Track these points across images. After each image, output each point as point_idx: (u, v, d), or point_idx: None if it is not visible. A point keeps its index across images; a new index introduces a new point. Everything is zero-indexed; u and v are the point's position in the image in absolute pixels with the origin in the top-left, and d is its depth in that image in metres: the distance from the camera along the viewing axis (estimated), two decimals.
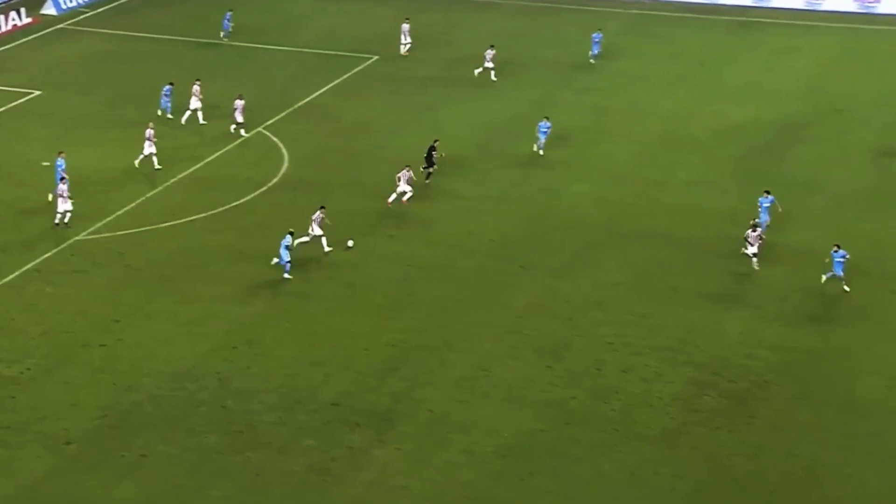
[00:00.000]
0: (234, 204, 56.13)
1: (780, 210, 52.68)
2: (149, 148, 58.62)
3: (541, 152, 60.80)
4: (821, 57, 74.39)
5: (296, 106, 68.34)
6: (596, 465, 38.94)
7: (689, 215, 55.39)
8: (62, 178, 53.61)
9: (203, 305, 47.55)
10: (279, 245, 48.98)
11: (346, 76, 73.32)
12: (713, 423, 40.80)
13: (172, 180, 58.40)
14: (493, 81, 70.44)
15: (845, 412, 41.34)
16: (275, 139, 63.85)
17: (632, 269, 50.78)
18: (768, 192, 53.11)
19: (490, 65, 70.70)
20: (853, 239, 51.55)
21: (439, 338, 45.95)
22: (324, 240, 51.20)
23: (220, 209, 55.58)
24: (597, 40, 73.17)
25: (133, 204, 55.81)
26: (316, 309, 48.02)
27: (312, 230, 51.33)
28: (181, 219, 54.55)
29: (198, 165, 60.14)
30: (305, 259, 50.75)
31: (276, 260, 49.56)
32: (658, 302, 48.09)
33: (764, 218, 52.76)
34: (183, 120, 64.29)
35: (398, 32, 76.45)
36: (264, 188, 57.76)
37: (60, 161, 55.63)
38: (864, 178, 58.69)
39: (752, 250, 49.65)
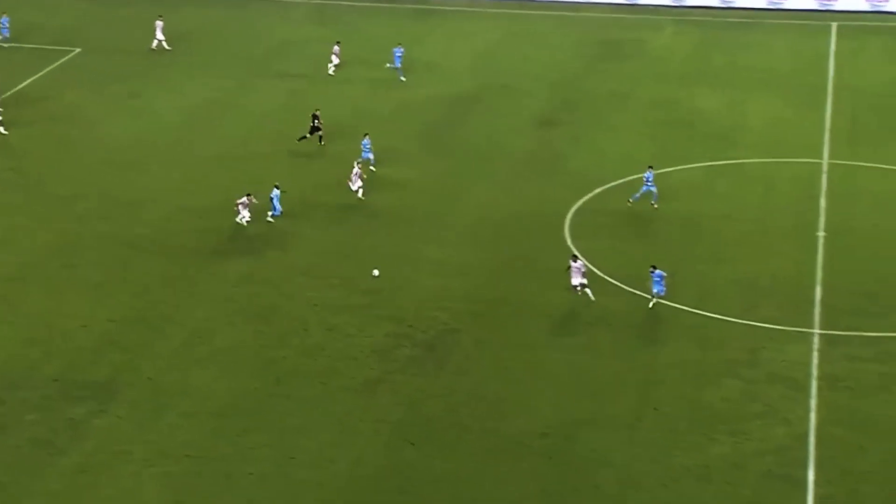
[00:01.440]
0: None
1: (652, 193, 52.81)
2: None
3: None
4: (489, 39, 75.97)
5: (3, 95, 65.05)
6: (306, 416, 38.87)
7: (379, 185, 55.65)
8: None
9: None
10: None
11: (49, 68, 70.16)
12: (409, 371, 41.33)
13: None
14: (331, 76, 69.23)
15: (523, 351, 42.58)
16: None
17: (331, 236, 50.79)
18: (651, 167, 53.31)
19: (336, 61, 69.73)
20: (524, 198, 53.21)
21: (156, 311, 44.90)
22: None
23: None
24: (398, 55, 69.33)
25: None
26: (31, 290, 46.10)
27: (242, 212, 50.77)
28: None
29: None
30: (18, 242, 48.64)
31: (269, 213, 51.14)
32: (356, 265, 48.23)
33: (649, 188, 52.53)
34: None
35: (100, 23, 73.67)
36: None
37: None
38: (528, 144, 60.39)
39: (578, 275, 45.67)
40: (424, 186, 54.98)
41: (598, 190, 55.14)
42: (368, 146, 56.25)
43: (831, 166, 57.81)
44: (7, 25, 73.71)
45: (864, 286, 46.93)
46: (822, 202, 54.03)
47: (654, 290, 44.60)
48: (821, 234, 51.26)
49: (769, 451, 37.34)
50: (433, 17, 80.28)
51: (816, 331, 43.87)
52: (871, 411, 39.43)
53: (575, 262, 45.37)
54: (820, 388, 40.45)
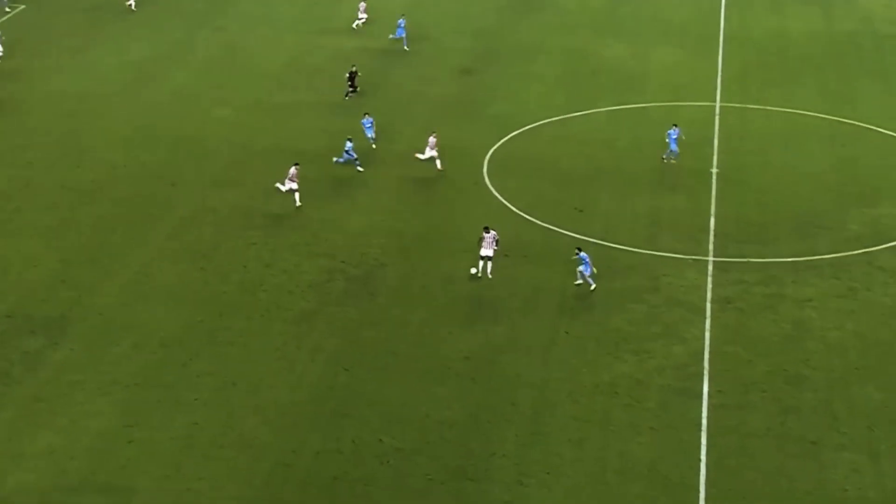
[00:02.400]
0: None
1: (683, 139, 51.55)
2: None
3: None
4: None
5: None
6: (247, 346, 38.75)
7: (313, 132, 55.20)
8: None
9: None
10: None
11: None
12: (343, 303, 41.30)
13: None
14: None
15: (446, 283, 42.71)
16: None
17: (269, 180, 50.30)
18: (676, 125, 51.49)
19: (363, 17, 68.01)
20: (446, 141, 53.03)
21: (104, 251, 44.35)
22: (296, 195, 47.24)
23: None
24: (402, 25, 65.52)
25: None
26: None
27: (286, 184, 47.23)
28: None
29: None
30: None
31: (336, 159, 50.03)
32: (291, 207, 47.85)
33: (673, 148, 50.91)
34: None
35: None
36: None
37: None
38: (450, 91, 60.18)
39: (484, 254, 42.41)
40: (354, 131, 54.51)
41: (513, 133, 55.19)
42: (370, 124, 52.81)
43: (723, 109, 58.37)
44: None
45: (752, 217, 47.64)
46: (716, 142, 54.60)
47: (581, 269, 41.61)
48: (714, 170, 51.83)
49: (669, 368, 37.96)
50: None
51: (710, 258, 44.52)
52: (758, 329, 40.21)
53: (488, 232, 42.37)
54: (713, 310, 41.14)
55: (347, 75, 58.27)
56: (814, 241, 45.88)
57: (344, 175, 50.77)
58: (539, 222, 46.86)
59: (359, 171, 50.21)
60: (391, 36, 65.70)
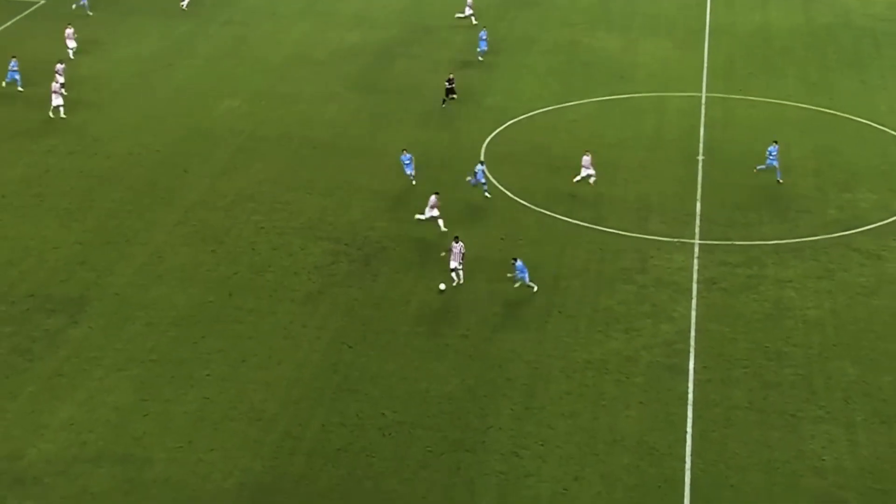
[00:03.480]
0: None
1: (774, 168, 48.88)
2: None
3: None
4: None
5: None
6: (255, 325, 38.85)
7: (317, 121, 55.26)
8: None
9: None
10: None
11: (21, 15, 68.20)
12: (346, 283, 41.40)
13: None
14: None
15: (444, 264, 42.63)
16: None
17: (275, 167, 50.40)
18: (776, 142, 49.06)
19: (469, 11, 66.01)
20: (445, 130, 53.07)
21: (119, 234, 44.41)
22: (440, 221, 44.09)
23: None
24: (483, 37, 62.07)
25: None
26: (7, 217, 45.32)
27: (426, 213, 44.14)
28: None
29: None
30: None
31: (469, 178, 46.82)
32: (297, 192, 47.99)
33: (771, 163, 48.07)
34: None
35: None
36: None
37: None
38: (442, 81, 59.79)
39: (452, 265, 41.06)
40: (357, 121, 54.58)
41: (509, 122, 55.17)
42: (410, 160, 47.59)
43: (709, 99, 58.34)
44: None
45: (736, 202, 47.70)
46: (702, 130, 54.61)
47: (519, 276, 40.19)
48: (700, 157, 51.87)
49: (657, 345, 38.10)
50: None
51: (696, 241, 44.62)
52: (741, 308, 40.35)
53: (456, 243, 40.68)
54: (699, 290, 41.28)
55: (446, 82, 55.49)
56: (794, 225, 45.98)
57: (346, 164, 50.75)
58: (533, 207, 46.91)
59: (486, 197, 46.60)
60: (479, 50, 61.89)
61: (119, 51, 63.58)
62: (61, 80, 55.04)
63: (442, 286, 40.83)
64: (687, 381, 36.31)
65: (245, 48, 64.29)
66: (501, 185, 48.39)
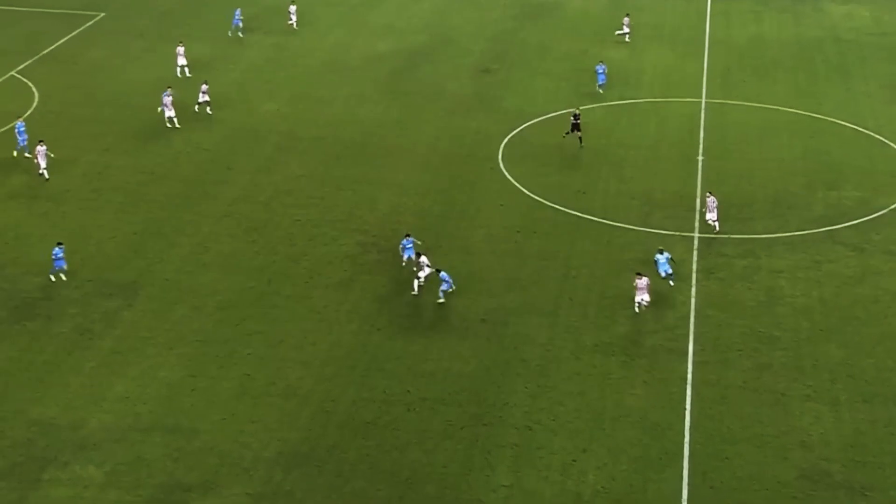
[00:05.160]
0: None
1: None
2: None
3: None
4: (437, 3, 75.06)
5: (41, 54, 63.52)
6: (292, 309, 39.04)
7: (349, 122, 55.34)
8: None
9: None
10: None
11: (79, 30, 68.53)
12: (375, 272, 41.51)
13: None
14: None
15: (465, 255, 42.87)
16: (26, 81, 59.39)
17: (310, 164, 50.53)
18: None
19: (627, 30, 65.11)
20: (466, 131, 53.04)
21: (169, 226, 44.66)
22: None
23: None
24: (601, 71, 58.93)
25: None
26: (70, 210, 45.62)
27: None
28: None
29: None
30: (57, 171, 47.94)
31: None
32: (330, 188, 48.12)
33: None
34: None
35: None
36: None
37: None
38: (469, 88, 60.12)
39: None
40: (385, 122, 54.61)
41: (526, 124, 55.09)
42: (410, 245, 41.47)
43: (708, 104, 58.07)
44: None
45: (732, 199, 47.50)
46: (701, 133, 54.39)
47: (442, 287, 38.81)
48: (700, 158, 51.68)
49: (659, 330, 38.07)
50: None
51: (696, 234, 44.50)
52: (736, 296, 40.25)
53: (439, 273, 39.11)
54: (698, 279, 41.19)
55: (572, 117, 52.17)
56: (785, 220, 45.78)
57: (375, 161, 50.83)
58: (547, 202, 46.88)
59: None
60: (598, 83, 58.87)
61: (169, 59, 63.76)
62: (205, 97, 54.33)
63: (413, 293, 38.86)
64: (687, 362, 36.29)
65: (285, 55, 64.39)
66: (517, 182, 48.35)
